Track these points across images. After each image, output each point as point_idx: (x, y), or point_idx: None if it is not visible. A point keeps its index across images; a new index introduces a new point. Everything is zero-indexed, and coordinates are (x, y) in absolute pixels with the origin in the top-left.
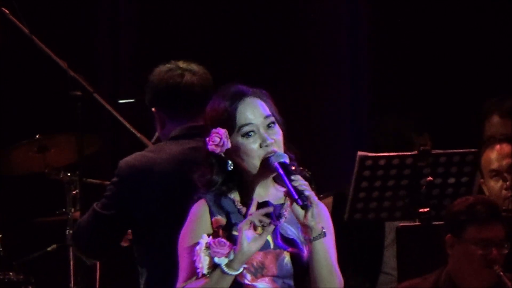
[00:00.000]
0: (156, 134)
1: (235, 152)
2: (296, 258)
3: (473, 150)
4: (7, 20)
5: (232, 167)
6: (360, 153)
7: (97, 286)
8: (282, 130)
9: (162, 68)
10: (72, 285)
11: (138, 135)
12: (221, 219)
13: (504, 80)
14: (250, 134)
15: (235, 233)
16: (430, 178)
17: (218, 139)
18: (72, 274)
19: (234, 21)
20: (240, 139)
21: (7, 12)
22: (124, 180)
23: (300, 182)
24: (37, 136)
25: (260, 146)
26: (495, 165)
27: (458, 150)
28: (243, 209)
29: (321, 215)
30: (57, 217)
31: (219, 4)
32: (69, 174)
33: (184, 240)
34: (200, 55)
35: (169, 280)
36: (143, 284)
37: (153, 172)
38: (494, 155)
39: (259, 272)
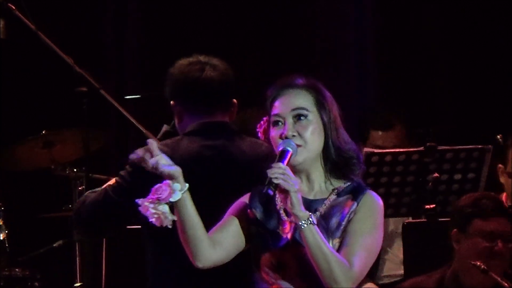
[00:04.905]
0: (163, 129)
1: (268, 139)
2: None
3: (479, 146)
4: (13, 16)
5: None
6: (366, 149)
7: (103, 282)
8: (325, 124)
9: (183, 61)
10: (78, 281)
11: (144, 131)
12: (254, 212)
13: None
14: (276, 123)
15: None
16: (436, 174)
17: (264, 125)
18: (78, 270)
19: (240, 18)
20: (271, 127)
21: (13, 8)
22: (135, 172)
23: (275, 170)
24: (43, 132)
25: (280, 136)
26: None
27: (464, 146)
28: (280, 205)
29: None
30: (63, 213)
31: (225, 0)
32: (75, 169)
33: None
34: (206, 52)
35: (172, 273)
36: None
37: None
38: None
39: (282, 270)
